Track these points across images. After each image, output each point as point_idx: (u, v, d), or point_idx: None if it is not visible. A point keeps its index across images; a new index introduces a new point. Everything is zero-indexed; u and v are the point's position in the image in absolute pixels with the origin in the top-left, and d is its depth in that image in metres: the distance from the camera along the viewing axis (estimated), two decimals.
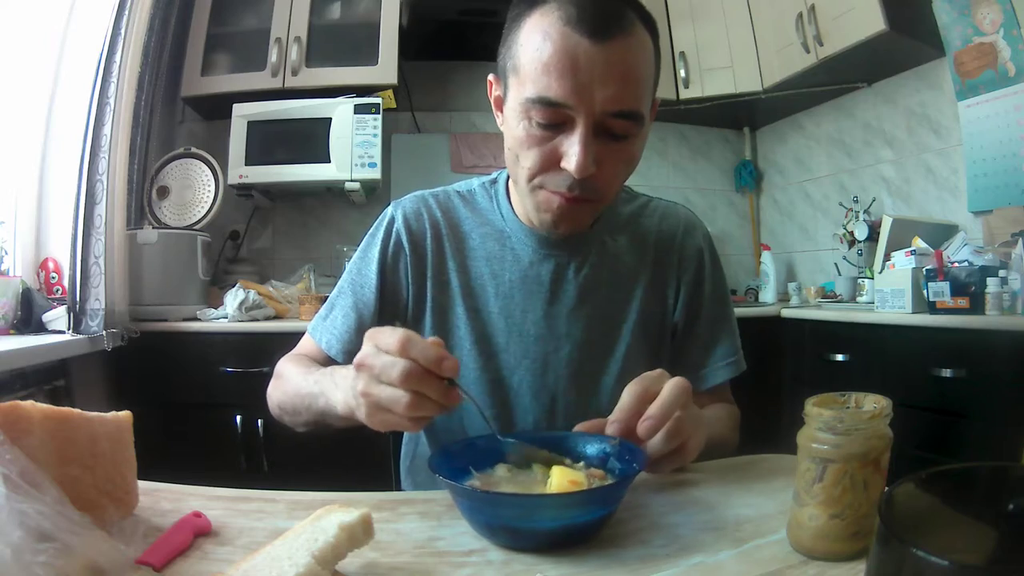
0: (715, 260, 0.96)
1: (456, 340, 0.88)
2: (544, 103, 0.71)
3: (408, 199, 0.94)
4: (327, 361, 0.88)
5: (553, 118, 0.72)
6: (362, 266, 0.91)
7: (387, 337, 0.58)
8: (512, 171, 0.81)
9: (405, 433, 1.01)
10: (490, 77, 0.83)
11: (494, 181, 0.95)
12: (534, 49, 0.71)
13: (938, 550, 0.27)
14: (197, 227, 2.16)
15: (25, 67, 1.86)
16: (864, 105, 2.51)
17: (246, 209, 2.58)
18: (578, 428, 0.69)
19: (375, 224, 0.94)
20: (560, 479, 0.59)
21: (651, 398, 0.65)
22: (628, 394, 0.66)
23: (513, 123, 0.76)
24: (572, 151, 0.72)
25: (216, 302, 2.10)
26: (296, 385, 0.79)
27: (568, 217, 0.79)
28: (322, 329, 0.90)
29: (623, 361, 0.89)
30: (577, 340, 0.88)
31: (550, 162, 0.75)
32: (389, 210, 0.93)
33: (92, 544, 0.46)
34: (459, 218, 0.92)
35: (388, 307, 0.90)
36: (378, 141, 2.28)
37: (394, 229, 0.91)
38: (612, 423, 0.65)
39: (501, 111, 0.81)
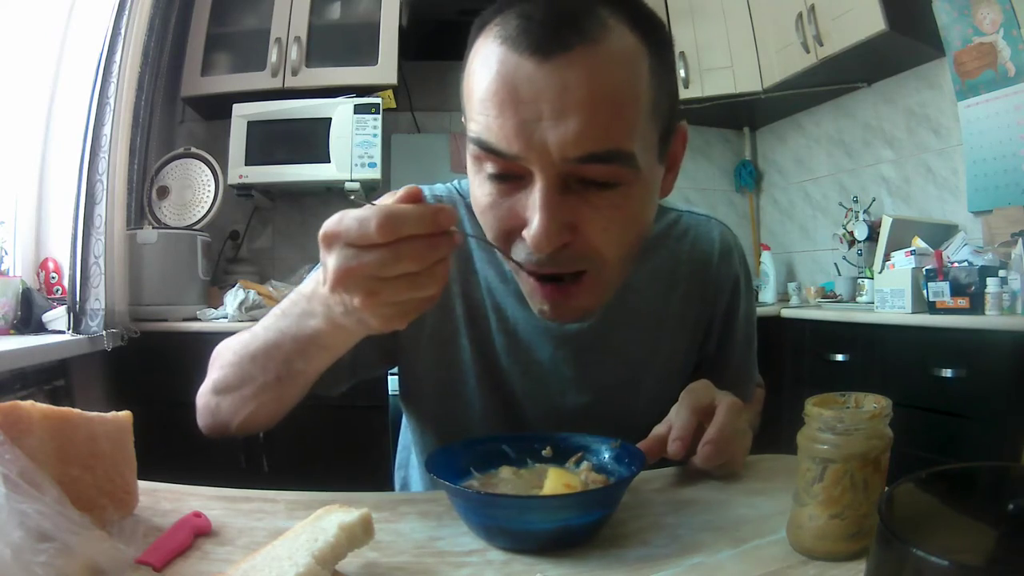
0: (748, 283, 0.85)
1: (460, 374, 0.76)
2: (487, 150, 0.55)
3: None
4: None
5: (505, 169, 0.56)
6: None
7: (371, 212, 0.45)
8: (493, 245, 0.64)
9: (402, 432, 0.97)
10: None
11: None
12: (478, 77, 0.56)
13: (938, 550, 0.27)
14: (197, 227, 2.16)
15: (25, 67, 1.86)
16: (864, 105, 2.51)
17: (246, 209, 2.58)
18: (640, 446, 0.63)
19: None
20: (555, 481, 0.59)
21: (708, 412, 0.64)
22: (686, 410, 0.64)
23: (471, 176, 0.61)
24: (532, 216, 0.54)
25: (216, 302, 2.10)
26: (239, 350, 0.64)
27: (562, 307, 0.61)
28: None
29: (650, 404, 0.73)
30: (593, 385, 0.76)
31: (513, 227, 0.57)
32: None
33: (92, 544, 0.46)
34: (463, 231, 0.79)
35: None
36: (378, 141, 2.28)
37: None
38: (674, 441, 0.62)
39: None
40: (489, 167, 0.57)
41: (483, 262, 0.76)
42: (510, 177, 0.56)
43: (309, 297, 0.56)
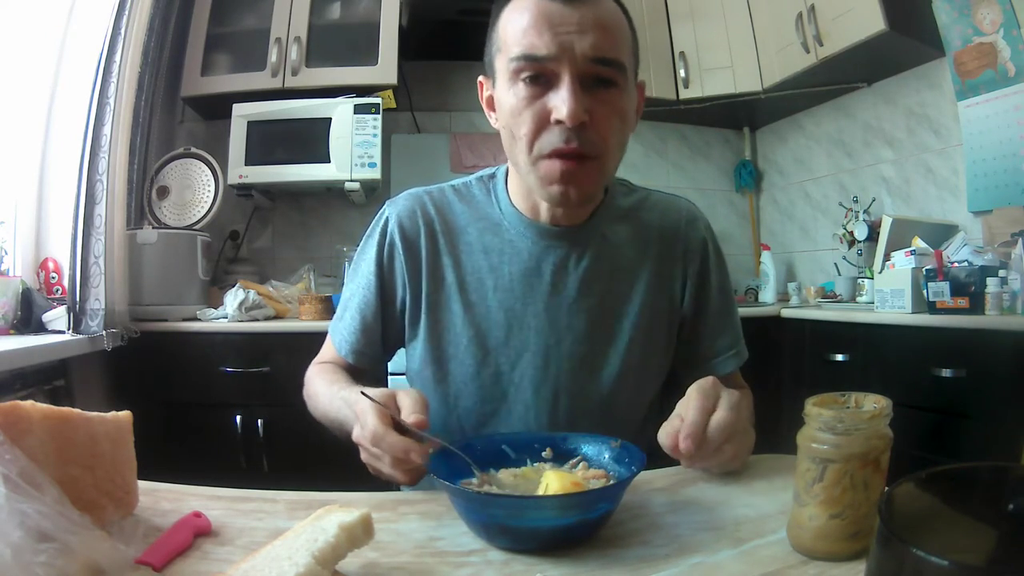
0: (718, 251, 0.96)
1: (452, 336, 0.88)
2: (528, 59, 0.75)
3: (403, 197, 0.94)
4: (340, 360, 0.94)
5: (539, 73, 0.75)
6: (365, 267, 0.93)
7: (366, 425, 0.66)
8: (512, 154, 0.81)
9: None
10: (480, 78, 0.87)
11: (492, 176, 0.94)
12: (514, 24, 0.76)
13: (938, 550, 0.27)
14: (197, 227, 2.16)
15: (25, 67, 1.86)
16: (864, 105, 2.51)
17: (246, 209, 2.58)
18: (659, 438, 0.67)
19: (371, 224, 0.94)
20: (555, 481, 0.59)
21: (713, 410, 0.67)
22: (694, 408, 0.66)
23: (504, 98, 0.79)
24: (561, 101, 0.73)
25: (216, 302, 2.10)
26: (324, 408, 0.86)
27: (574, 179, 0.77)
28: (335, 331, 0.96)
29: (625, 353, 0.88)
30: (579, 332, 0.87)
31: (543, 120, 0.76)
32: (384, 210, 0.94)
33: (92, 544, 0.46)
34: (455, 213, 0.91)
35: (388, 307, 0.92)
36: (378, 141, 2.28)
37: (389, 230, 0.91)
38: (686, 438, 0.64)
39: (493, 109, 0.84)
40: (526, 73, 0.75)
41: (480, 231, 0.90)
42: (541, 80, 0.75)
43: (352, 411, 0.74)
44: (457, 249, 0.90)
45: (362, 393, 0.67)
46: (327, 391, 0.86)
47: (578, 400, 0.87)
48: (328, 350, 0.97)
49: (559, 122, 0.74)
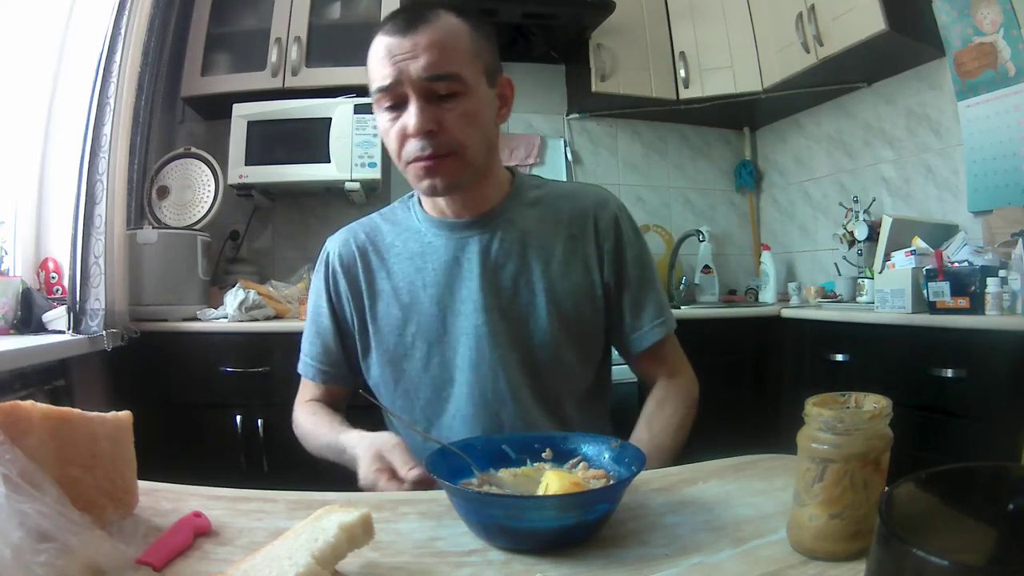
0: (634, 228, 1.04)
1: (397, 338, 0.98)
2: (381, 90, 0.88)
3: (339, 233, 1.07)
4: (316, 389, 1.06)
5: (391, 100, 0.88)
6: (315, 299, 1.06)
7: (365, 475, 0.78)
8: (398, 167, 0.94)
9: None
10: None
11: (410, 196, 1.06)
12: (371, 60, 0.90)
13: (938, 550, 0.27)
14: (197, 227, 2.16)
15: (25, 67, 1.86)
16: (864, 105, 2.51)
17: (246, 209, 2.58)
18: None
19: (318, 260, 1.07)
20: (555, 481, 0.59)
21: None
22: None
23: (379, 122, 0.92)
24: (409, 117, 0.86)
25: (216, 302, 2.10)
26: (319, 445, 0.96)
27: (437, 173, 0.89)
28: (302, 364, 1.07)
29: (548, 324, 0.96)
30: (502, 309, 0.96)
31: (402, 136, 0.88)
32: (325, 246, 1.07)
33: (92, 544, 0.46)
34: (382, 233, 1.04)
35: (342, 326, 1.03)
36: (378, 141, 2.27)
37: (330, 261, 1.04)
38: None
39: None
40: (384, 102, 0.88)
41: (404, 242, 1.01)
42: (396, 106, 0.88)
43: (348, 456, 0.86)
44: (388, 262, 1.01)
45: (360, 486, 0.78)
46: (314, 440, 0.98)
47: (514, 372, 0.95)
48: (303, 388, 1.08)
49: (411, 135, 0.87)
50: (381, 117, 0.91)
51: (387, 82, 0.86)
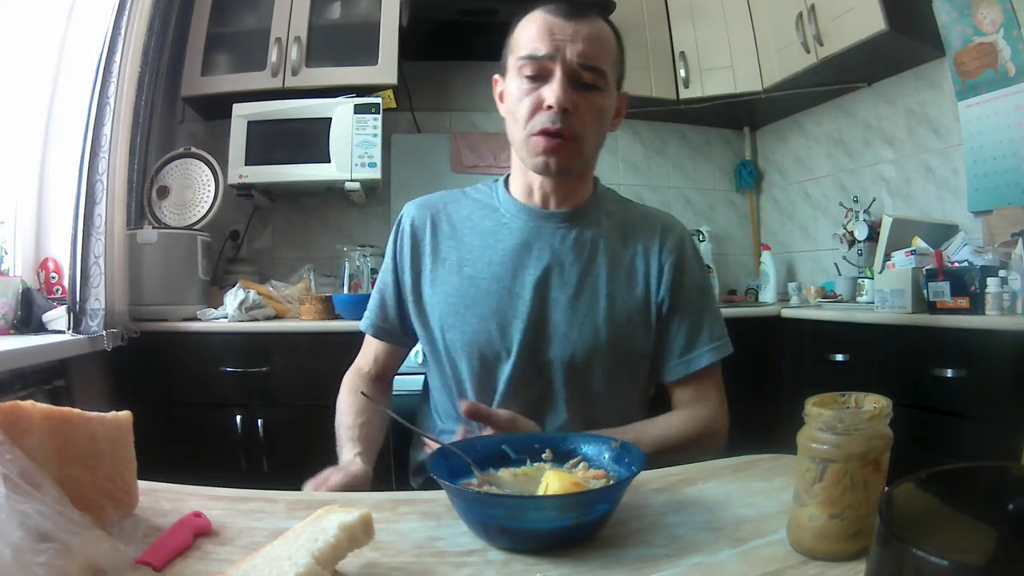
0: (697, 255, 1.07)
1: (450, 308, 1.00)
2: (530, 58, 0.93)
3: (420, 198, 1.11)
4: (371, 347, 1.12)
5: (537, 70, 0.93)
6: (385, 259, 1.11)
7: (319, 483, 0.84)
8: (512, 134, 0.99)
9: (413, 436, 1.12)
10: (495, 76, 1.04)
11: (496, 180, 1.10)
12: (525, 31, 0.96)
13: (938, 550, 0.27)
14: (197, 227, 2.16)
15: (25, 67, 1.86)
16: (864, 105, 2.51)
17: (246, 209, 2.58)
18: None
19: (394, 222, 1.12)
20: (555, 481, 0.59)
21: None
22: None
23: (510, 88, 0.97)
24: (551, 90, 0.92)
25: (216, 302, 2.10)
26: (337, 425, 1.02)
27: (555, 153, 0.94)
28: (364, 319, 1.12)
29: (604, 327, 0.98)
30: (560, 305, 0.99)
31: (537, 106, 0.93)
32: (404, 208, 1.11)
33: (92, 544, 0.46)
34: (460, 205, 1.08)
35: (401, 288, 1.07)
36: (378, 141, 2.28)
37: (403, 223, 1.09)
38: None
39: (503, 101, 1.02)
40: (527, 71, 0.94)
41: (480, 217, 1.05)
42: (538, 77, 0.94)
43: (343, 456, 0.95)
44: (459, 232, 1.05)
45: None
46: (336, 425, 1.02)
47: (568, 364, 0.97)
48: (364, 347, 1.14)
49: (549, 107, 0.92)
50: (515, 82, 0.96)
51: (541, 53, 0.92)
